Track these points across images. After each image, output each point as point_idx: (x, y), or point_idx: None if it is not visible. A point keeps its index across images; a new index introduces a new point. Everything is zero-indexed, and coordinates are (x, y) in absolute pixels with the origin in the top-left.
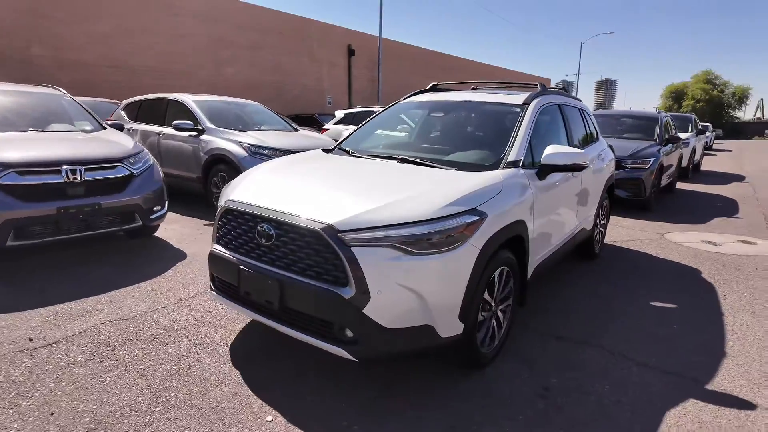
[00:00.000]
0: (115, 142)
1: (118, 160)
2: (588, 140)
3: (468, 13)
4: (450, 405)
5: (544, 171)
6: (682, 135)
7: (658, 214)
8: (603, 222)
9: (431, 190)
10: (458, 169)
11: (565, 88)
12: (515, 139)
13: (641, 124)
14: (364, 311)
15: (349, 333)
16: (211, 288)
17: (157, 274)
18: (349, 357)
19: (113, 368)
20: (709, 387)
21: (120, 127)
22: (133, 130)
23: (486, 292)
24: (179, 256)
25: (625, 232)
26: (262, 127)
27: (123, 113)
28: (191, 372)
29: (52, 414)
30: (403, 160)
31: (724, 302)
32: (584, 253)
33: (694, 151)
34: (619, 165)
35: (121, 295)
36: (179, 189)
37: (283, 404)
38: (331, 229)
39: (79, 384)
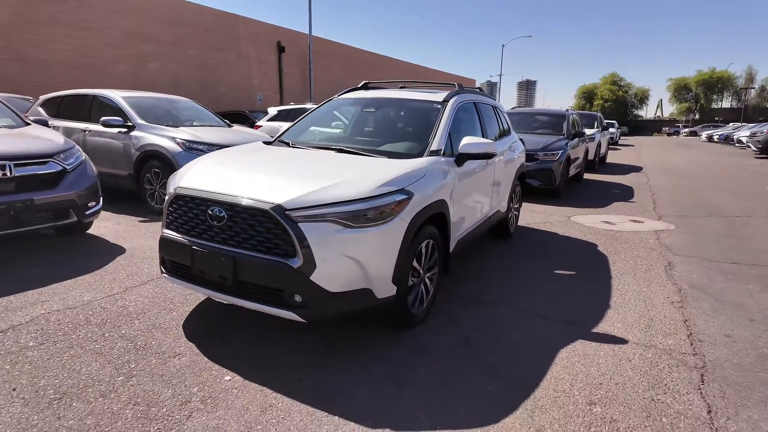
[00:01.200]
0: (45, 138)
1: (50, 155)
2: (501, 134)
3: (397, 16)
4: (388, 357)
5: (461, 158)
6: (589, 131)
7: (566, 200)
8: (516, 206)
9: (366, 174)
10: (388, 157)
11: (481, 89)
12: (436, 131)
13: (552, 121)
14: (311, 278)
15: (298, 298)
16: (161, 271)
17: (99, 267)
18: (299, 319)
19: (68, 349)
20: (594, 330)
21: (45, 123)
22: (54, 127)
23: (415, 260)
24: (118, 251)
25: (538, 216)
26: (195, 123)
27: (41, 109)
28: (148, 347)
29: (14, 389)
30: (340, 150)
31: (613, 268)
32: (500, 233)
33: (599, 145)
34: (532, 157)
35: (64, 288)
36: (108, 187)
37: (239, 366)
38: (279, 208)
39: (36, 364)
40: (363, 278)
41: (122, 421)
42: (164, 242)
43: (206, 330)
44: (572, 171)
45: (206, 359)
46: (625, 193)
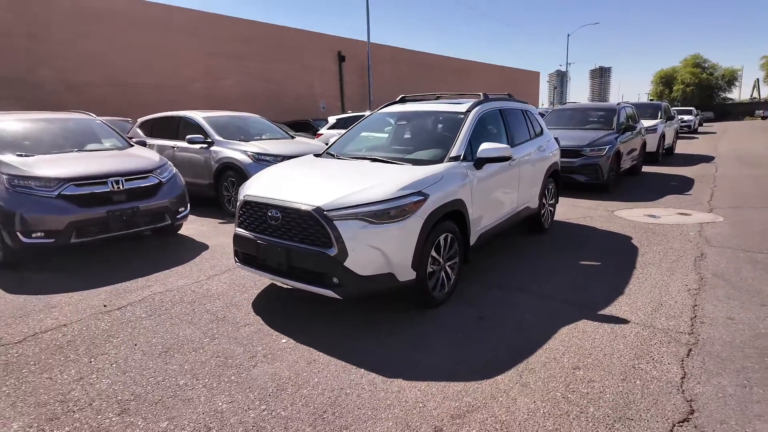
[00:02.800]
0: (145, 157)
1: (150, 171)
2: (530, 136)
3: (455, 13)
4: (412, 328)
5: (480, 162)
6: (650, 122)
7: (615, 195)
8: (551, 202)
9: (389, 180)
10: (413, 164)
11: (511, 95)
12: (457, 139)
13: (602, 116)
14: (345, 264)
15: (335, 280)
16: (235, 261)
17: (188, 260)
18: (336, 296)
19: (170, 320)
20: (600, 312)
21: (144, 144)
22: (150, 145)
23: (434, 251)
24: (202, 247)
25: (579, 211)
26: (263, 137)
27: (139, 130)
28: (225, 319)
29: (136, 344)
30: (374, 160)
31: (640, 259)
32: (533, 228)
33: (663, 136)
34: (578, 153)
35: (163, 276)
36: (193, 195)
37: (293, 333)
38: (319, 210)
39: (148, 329)
40: (386, 264)
41: (209, 367)
42: (237, 238)
43: (270, 306)
44: (626, 164)
45: (269, 327)
46: (682, 186)
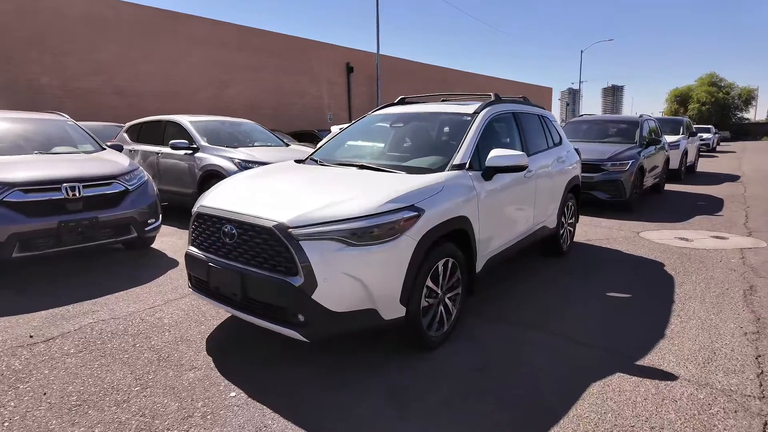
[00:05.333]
0: (112, 161)
1: (114, 177)
2: (548, 145)
3: (466, 27)
4: (396, 378)
5: (488, 172)
6: (672, 138)
7: (639, 214)
8: (570, 221)
9: (375, 190)
10: (408, 173)
11: (526, 98)
12: (462, 144)
13: (623, 129)
14: (312, 297)
15: (300, 317)
16: (189, 286)
17: (150, 280)
18: (301, 338)
19: (101, 358)
20: (638, 362)
21: (119, 148)
22: (134, 150)
23: (430, 280)
24: (171, 264)
25: (601, 232)
26: (255, 144)
27: (125, 135)
28: (169, 360)
29: (45, 394)
30: (361, 167)
31: (678, 291)
32: (550, 251)
33: (685, 153)
34: (598, 168)
35: (115, 299)
36: (178, 204)
37: (246, 383)
38: (281, 226)
39: (70, 371)
40: (367, 298)
41: None
42: (188, 258)
43: (227, 344)
44: (649, 182)
45: (218, 374)
46: (711, 206)
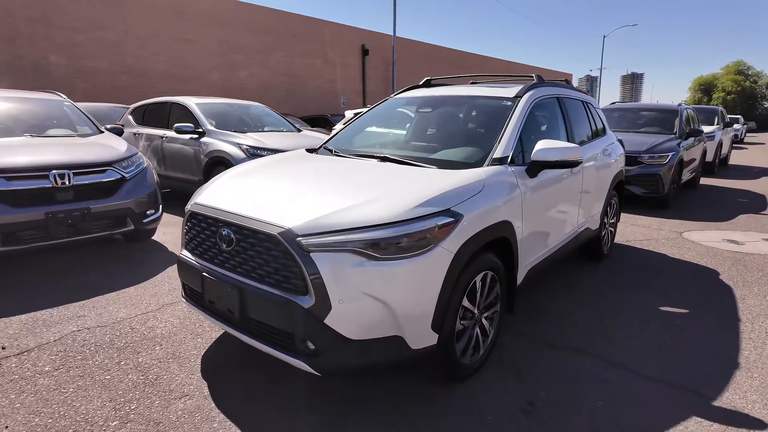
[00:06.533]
0: (108, 146)
1: (109, 163)
2: (593, 135)
3: (485, 10)
4: (424, 422)
5: (534, 168)
6: (707, 128)
7: (677, 211)
8: (612, 221)
9: (403, 191)
10: (440, 168)
11: (568, 81)
12: (503, 134)
13: (660, 118)
14: (325, 321)
15: (310, 345)
16: (182, 295)
17: (146, 279)
18: (311, 371)
19: (79, 378)
20: (716, 403)
21: (119, 131)
22: (138, 134)
23: (466, 298)
24: (171, 259)
25: (640, 231)
26: (265, 129)
27: (130, 117)
28: (157, 383)
29: (6, 427)
30: (383, 159)
31: (742, 307)
32: (591, 254)
33: (720, 144)
34: (634, 160)
35: (105, 301)
36: (183, 192)
37: (245, 419)
38: (289, 234)
39: (40, 395)
40: (392, 323)
41: None
42: (180, 265)
43: (225, 364)
44: (686, 176)
45: (212, 405)
46: (754, 203)
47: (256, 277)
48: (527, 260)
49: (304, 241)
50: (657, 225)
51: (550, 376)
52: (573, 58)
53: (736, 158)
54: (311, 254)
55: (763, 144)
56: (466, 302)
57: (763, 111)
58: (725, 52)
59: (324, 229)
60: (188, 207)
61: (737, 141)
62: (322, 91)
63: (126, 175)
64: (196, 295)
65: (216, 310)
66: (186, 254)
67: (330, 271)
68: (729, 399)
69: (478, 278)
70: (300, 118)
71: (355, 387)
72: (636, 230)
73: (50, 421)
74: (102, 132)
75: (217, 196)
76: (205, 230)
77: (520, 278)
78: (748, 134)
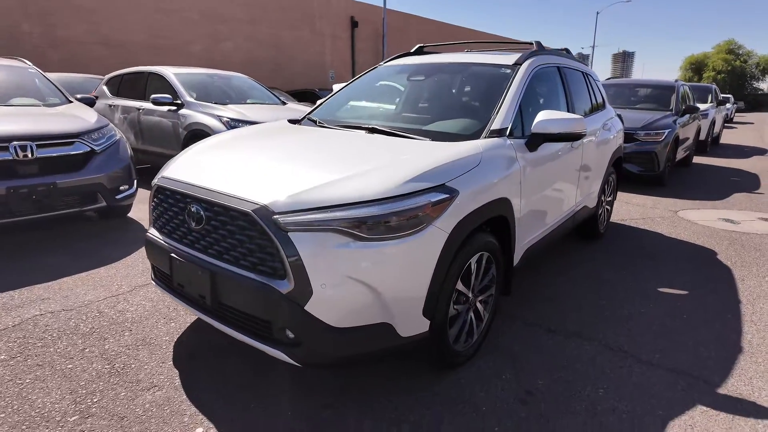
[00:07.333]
0: (76, 117)
1: (76, 135)
2: (593, 108)
3: None
4: (414, 415)
5: (534, 141)
6: (701, 106)
7: (672, 190)
8: (609, 199)
9: (393, 164)
10: (433, 140)
11: (568, 50)
12: (502, 104)
13: (657, 94)
14: (306, 308)
15: (289, 334)
16: (152, 278)
17: (119, 258)
18: (291, 362)
19: (37, 368)
20: (721, 390)
21: (91, 102)
22: (114, 105)
23: (460, 281)
24: None
25: (635, 210)
26: (248, 101)
27: (105, 88)
28: (124, 373)
29: None
30: (372, 131)
31: (741, 287)
32: (587, 233)
33: (713, 123)
34: (630, 137)
35: (72, 283)
36: (161, 167)
37: (219, 413)
38: (264, 210)
39: None
40: (380, 310)
41: None
42: (147, 244)
43: (200, 351)
44: (680, 154)
45: (183, 397)
46: (748, 182)
47: (230, 259)
48: (524, 240)
49: (281, 219)
50: (652, 203)
51: (548, 362)
52: (565, 36)
53: (727, 137)
54: (290, 234)
55: (753, 123)
56: (460, 286)
57: (752, 91)
58: (718, 31)
59: (304, 206)
60: (155, 181)
61: (727, 120)
62: (310, 65)
63: (96, 148)
64: (165, 277)
65: (186, 294)
66: (153, 233)
67: (311, 252)
68: (734, 386)
69: (474, 260)
70: (287, 92)
71: (341, 376)
72: (631, 209)
73: (2, 415)
74: (71, 102)
75: (186, 169)
76: (173, 207)
77: (516, 259)
78: (737, 114)
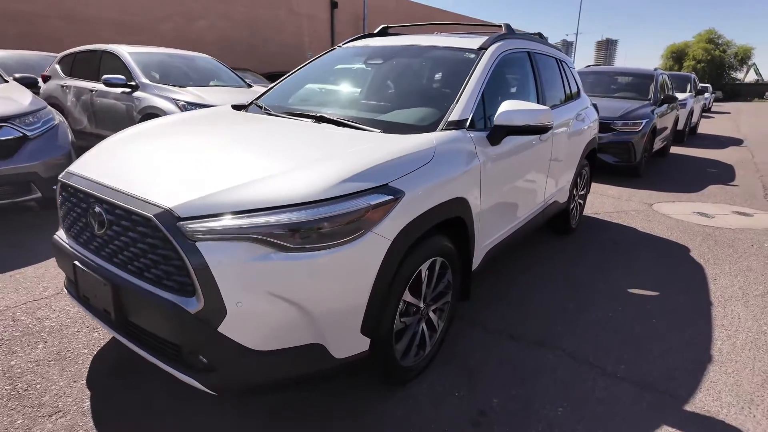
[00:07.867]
0: (8, 99)
1: (5, 119)
2: (567, 97)
3: None
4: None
5: (497, 133)
6: (680, 95)
7: (647, 181)
8: (582, 193)
9: (330, 160)
10: (384, 131)
11: (542, 34)
12: (462, 92)
13: (635, 83)
14: (219, 330)
15: (202, 359)
16: (65, 284)
17: (48, 257)
18: (204, 389)
19: None
20: (688, 407)
21: (32, 82)
22: (66, 86)
23: (408, 292)
24: None
25: (609, 203)
26: (211, 83)
27: (58, 67)
28: (26, 395)
29: None
30: (320, 120)
31: (713, 288)
32: (557, 228)
33: (691, 112)
34: (607, 127)
35: None
36: None
37: None
38: (167, 215)
39: None
40: (309, 329)
41: None
42: (54, 248)
43: (120, 367)
44: (657, 144)
45: (90, 424)
46: (723, 174)
47: (134, 271)
48: (485, 242)
49: (188, 226)
50: (627, 196)
51: (506, 376)
52: (549, 23)
53: (704, 127)
54: (198, 243)
55: (729, 113)
56: (408, 296)
57: (730, 80)
58: (701, 20)
59: (215, 210)
60: (60, 176)
61: (705, 110)
62: (287, 46)
63: (28, 133)
64: (73, 285)
65: (91, 306)
66: (61, 235)
67: (223, 265)
68: (702, 401)
69: (425, 267)
70: (262, 74)
71: (276, 397)
72: (605, 201)
73: None
74: (7, 82)
75: (95, 163)
76: (76, 207)
77: (476, 262)
78: (715, 103)
